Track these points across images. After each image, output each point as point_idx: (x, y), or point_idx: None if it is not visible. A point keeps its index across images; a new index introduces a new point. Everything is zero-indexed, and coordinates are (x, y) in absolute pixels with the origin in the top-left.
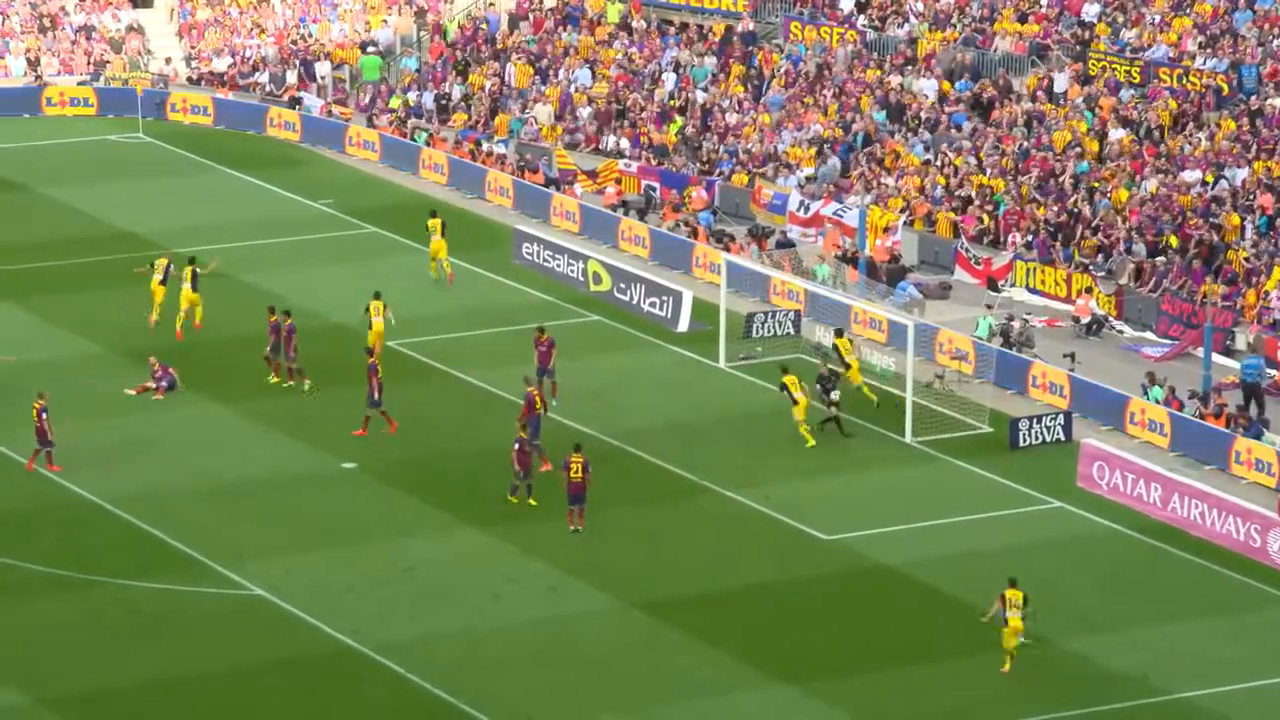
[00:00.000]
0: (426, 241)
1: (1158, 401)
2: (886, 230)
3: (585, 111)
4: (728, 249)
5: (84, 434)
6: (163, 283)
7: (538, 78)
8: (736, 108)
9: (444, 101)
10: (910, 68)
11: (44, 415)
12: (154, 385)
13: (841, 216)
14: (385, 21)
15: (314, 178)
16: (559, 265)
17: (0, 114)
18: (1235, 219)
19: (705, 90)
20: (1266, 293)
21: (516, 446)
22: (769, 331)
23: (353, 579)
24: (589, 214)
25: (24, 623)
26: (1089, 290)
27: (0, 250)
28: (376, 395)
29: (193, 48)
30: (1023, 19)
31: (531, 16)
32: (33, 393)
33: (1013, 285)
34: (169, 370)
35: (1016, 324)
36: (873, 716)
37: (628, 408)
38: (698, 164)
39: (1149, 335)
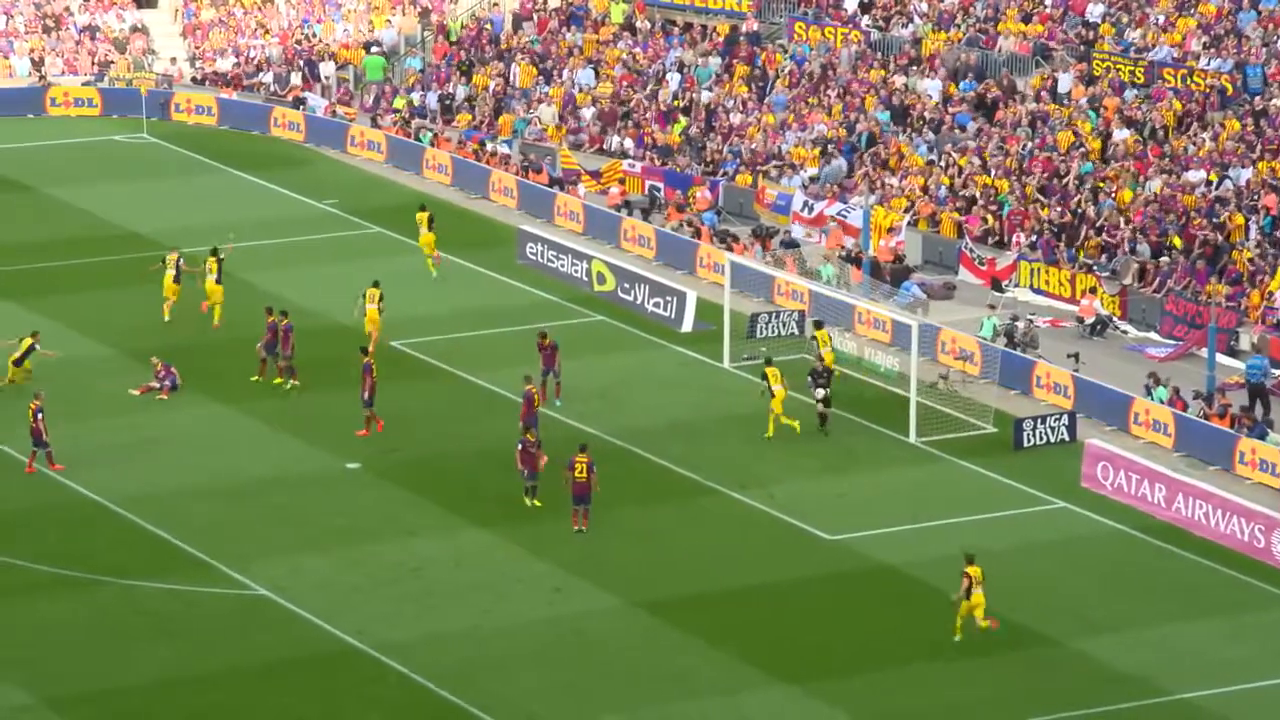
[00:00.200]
0: (431, 240)
1: (1162, 402)
2: (890, 230)
3: (588, 113)
4: (730, 249)
5: (88, 434)
6: (176, 279)
7: (541, 78)
8: (741, 108)
9: (448, 102)
10: (914, 68)
11: (40, 415)
12: (158, 385)
13: (845, 217)
14: (389, 22)
15: (318, 178)
16: (563, 265)
17: (5, 114)
18: (1239, 219)
19: (709, 90)
20: (1270, 293)
21: (520, 447)
22: (773, 332)
23: (358, 579)
24: (593, 214)
25: (29, 622)
26: (1093, 290)
27: (5, 250)
28: (366, 394)
29: (197, 48)
30: (1027, 19)
31: (535, 17)
32: (37, 393)
33: (1017, 285)
34: (171, 370)
35: (1021, 324)
36: (875, 716)
37: (631, 408)
38: (702, 164)
39: (1153, 335)
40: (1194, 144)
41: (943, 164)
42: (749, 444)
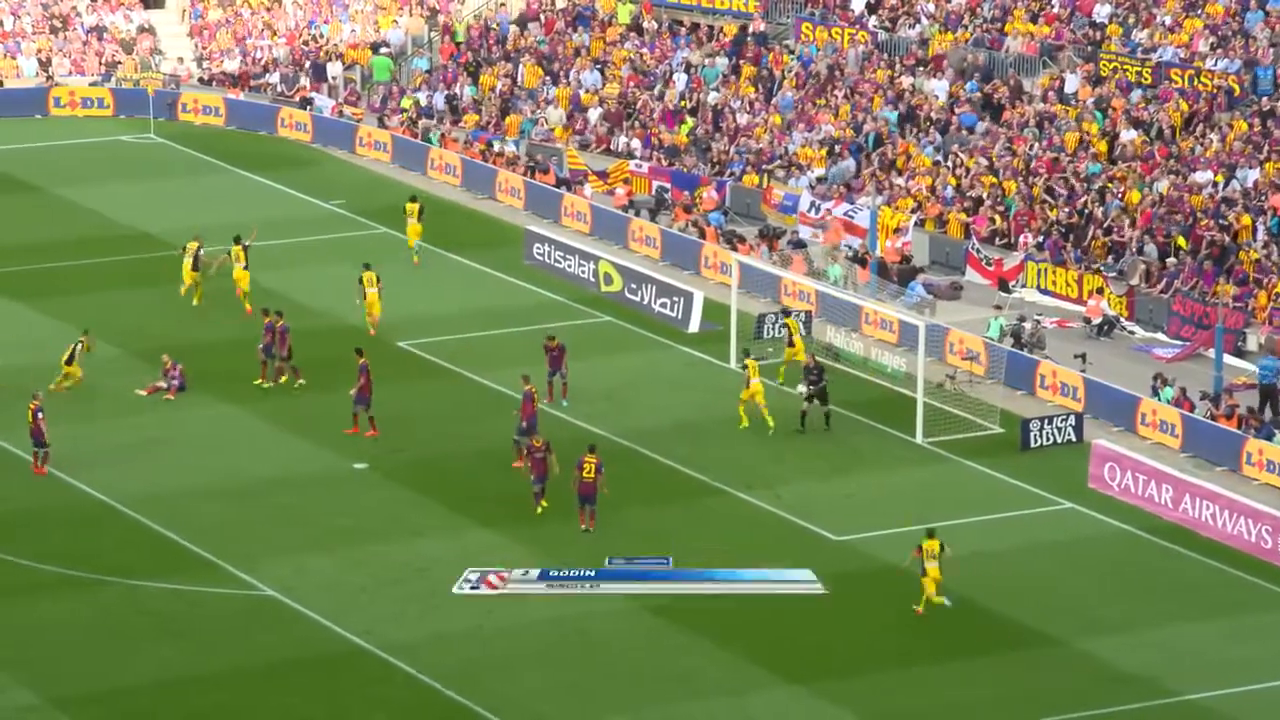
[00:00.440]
0: (418, 231)
1: (1169, 402)
2: (897, 231)
3: (594, 114)
4: (735, 249)
5: (95, 434)
6: (194, 267)
7: (548, 79)
8: (747, 108)
9: (455, 102)
10: (921, 69)
11: (39, 416)
12: (165, 385)
13: (853, 217)
14: (396, 22)
15: (325, 178)
16: (570, 266)
17: (12, 114)
18: (1247, 220)
19: (716, 91)
20: (1278, 294)
21: (525, 451)
22: (779, 333)
23: (364, 579)
24: (600, 214)
25: (35, 622)
26: (1100, 291)
27: (13, 250)
28: (353, 392)
29: (204, 48)
30: (1034, 19)
31: (542, 17)
32: (36, 394)
33: (1024, 286)
34: (180, 368)
35: (1028, 325)
36: (881, 717)
37: (638, 408)
38: (708, 165)
39: (1160, 336)
40: (1201, 145)
41: (949, 164)
42: (756, 444)
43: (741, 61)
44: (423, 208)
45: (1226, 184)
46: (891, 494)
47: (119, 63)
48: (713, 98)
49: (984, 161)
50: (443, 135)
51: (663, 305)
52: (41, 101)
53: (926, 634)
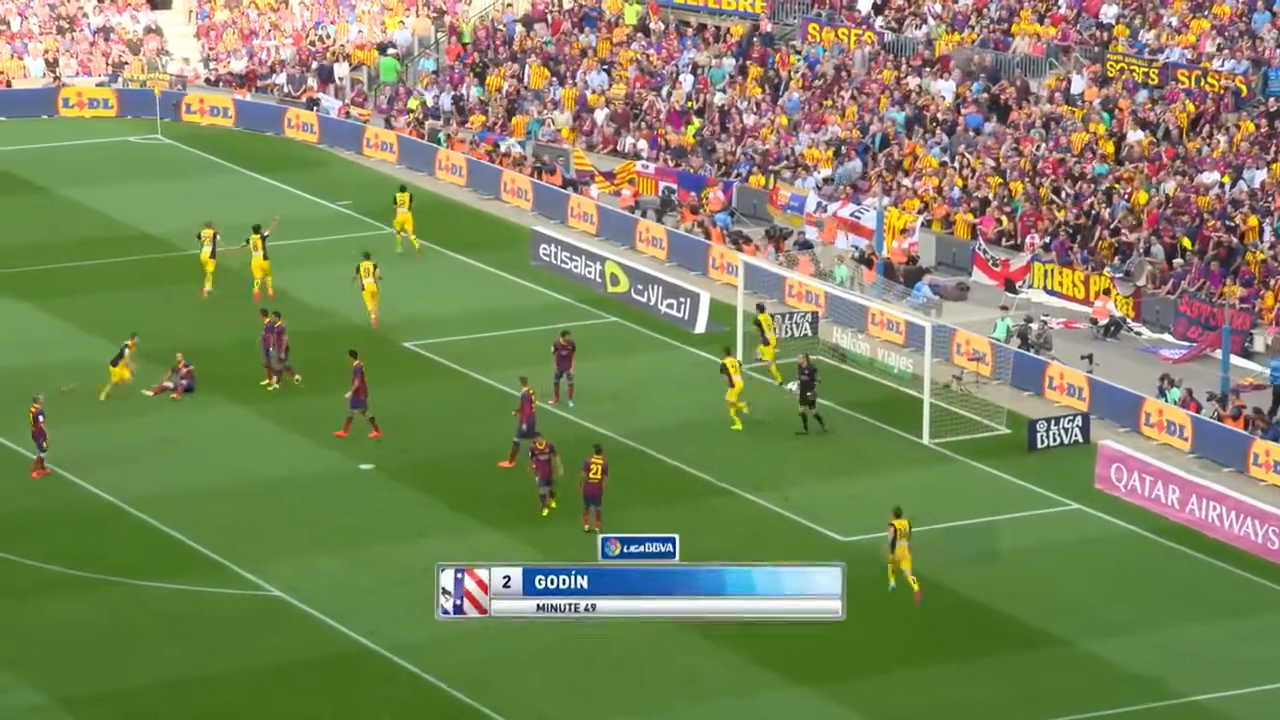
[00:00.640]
0: (408, 222)
1: (1175, 403)
2: (904, 232)
3: (601, 114)
4: (741, 250)
5: (101, 435)
6: (212, 255)
7: (554, 79)
8: (754, 109)
9: (461, 103)
10: (928, 69)
11: (40, 418)
12: (172, 386)
13: (859, 218)
14: (403, 23)
15: (332, 179)
16: (576, 266)
17: (19, 115)
18: (1254, 221)
19: (723, 92)
20: None
21: (530, 453)
22: (786, 333)
23: (370, 580)
24: (606, 215)
25: (41, 622)
26: (1107, 292)
27: (19, 251)
28: (348, 394)
29: (211, 49)
30: (1041, 20)
31: (549, 18)
32: (44, 394)
33: (1030, 287)
34: (190, 369)
35: (1034, 325)
36: (888, 718)
37: (645, 408)
38: (715, 166)
39: (1167, 337)
40: (1208, 145)
41: (956, 165)
42: (762, 445)
43: (748, 62)
44: (412, 196)
45: (1233, 185)
46: (898, 495)
47: (126, 63)
48: (719, 98)
49: (990, 162)
50: (449, 136)
51: (669, 306)
52: (50, 102)
53: (933, 635)
